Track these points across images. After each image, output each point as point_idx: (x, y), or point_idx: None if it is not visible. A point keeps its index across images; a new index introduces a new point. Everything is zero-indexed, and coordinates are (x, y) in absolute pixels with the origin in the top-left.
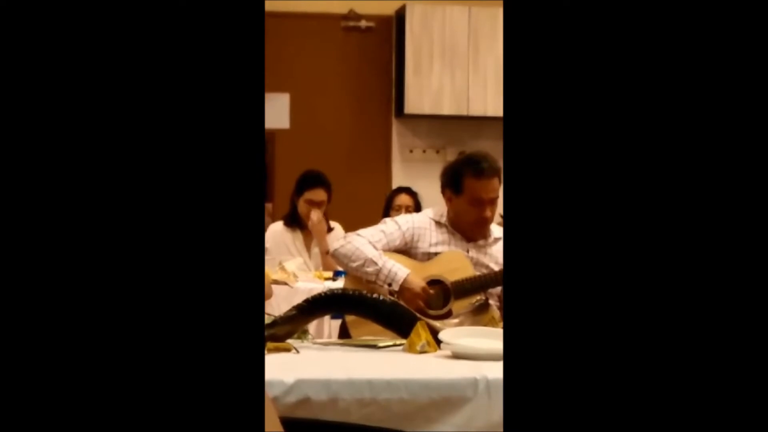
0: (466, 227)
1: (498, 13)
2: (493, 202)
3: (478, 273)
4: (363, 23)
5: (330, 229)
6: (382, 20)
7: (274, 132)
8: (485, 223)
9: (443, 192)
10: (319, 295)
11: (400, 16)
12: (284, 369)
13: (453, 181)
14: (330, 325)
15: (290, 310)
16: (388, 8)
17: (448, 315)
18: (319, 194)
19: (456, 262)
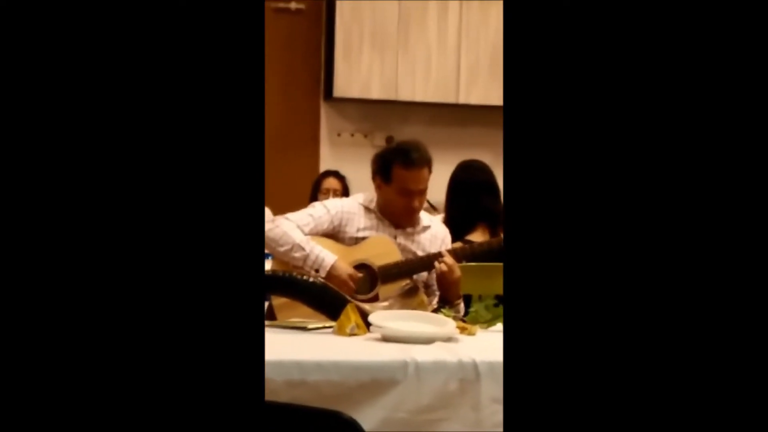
0: (394, 215)
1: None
2: (421, 192)
3: (404, 258)
4: (293, 5)
5: None
6: (312, 2)
7: None
8: (413, 212)
9: (373, 179)
10: None
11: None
12: None
13: (382, 170)
14: None
15: None
16: None
17: (374, 299)
18: None
19: (383, 247)
